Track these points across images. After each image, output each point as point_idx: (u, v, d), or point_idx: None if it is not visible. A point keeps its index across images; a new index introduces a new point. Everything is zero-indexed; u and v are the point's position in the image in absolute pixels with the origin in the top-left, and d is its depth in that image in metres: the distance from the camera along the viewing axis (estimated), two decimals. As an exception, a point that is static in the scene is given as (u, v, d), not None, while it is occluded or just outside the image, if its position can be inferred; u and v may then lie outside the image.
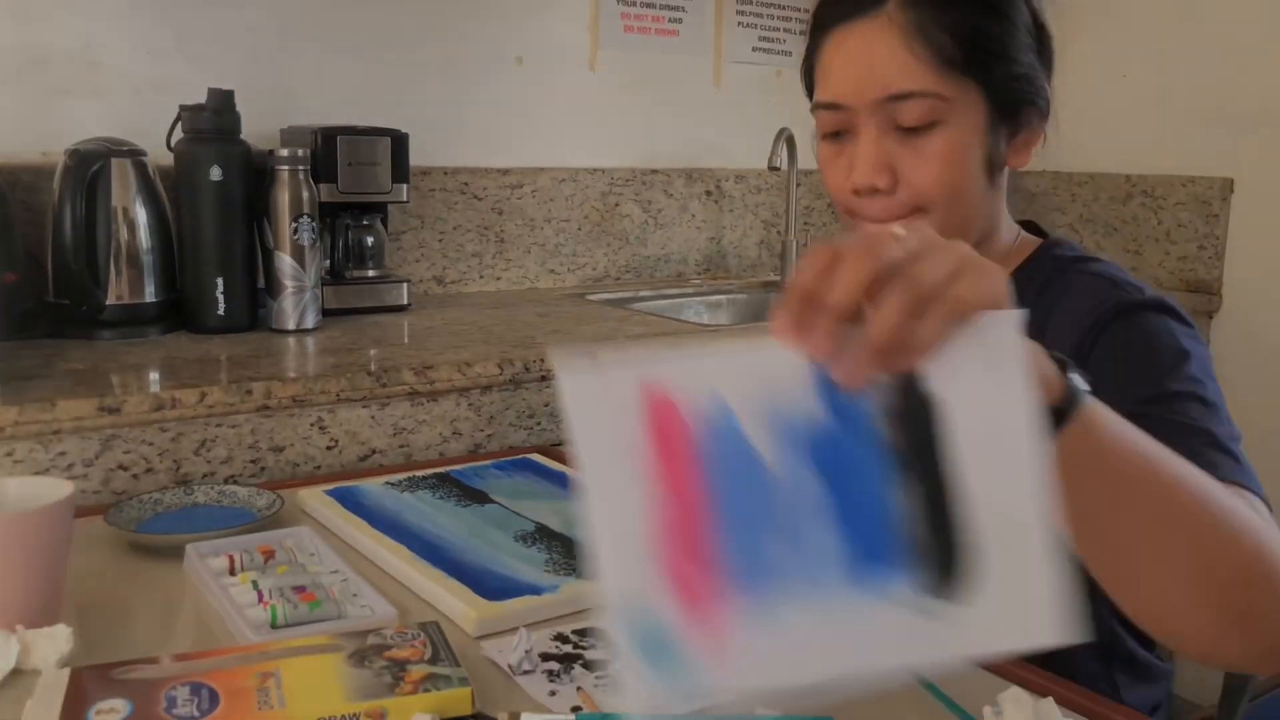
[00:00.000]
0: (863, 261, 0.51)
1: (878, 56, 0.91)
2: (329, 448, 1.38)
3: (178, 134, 1.63)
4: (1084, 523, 0.66)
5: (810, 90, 1.00)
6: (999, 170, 0.97)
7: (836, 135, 0.97)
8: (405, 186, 1.82)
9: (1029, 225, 1.08)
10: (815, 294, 0.52)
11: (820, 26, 0.96)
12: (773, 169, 2.29)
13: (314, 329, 1.66)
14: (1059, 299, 0.96)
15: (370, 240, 1.86)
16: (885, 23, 0.91)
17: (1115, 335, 0.91)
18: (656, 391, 0.54)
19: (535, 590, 0.91)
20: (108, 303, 1.56)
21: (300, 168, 1.64)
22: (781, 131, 2.26)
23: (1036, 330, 0.64)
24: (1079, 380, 0.64)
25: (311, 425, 1.36)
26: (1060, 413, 0.63)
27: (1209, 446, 0.82)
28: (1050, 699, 0.74)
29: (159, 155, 1.64)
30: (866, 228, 0.95)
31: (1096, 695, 0.78)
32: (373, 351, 1.53)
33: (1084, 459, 0.64)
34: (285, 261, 1.63)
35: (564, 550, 1.01)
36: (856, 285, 0.51)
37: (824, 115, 0.97)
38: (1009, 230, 1.04)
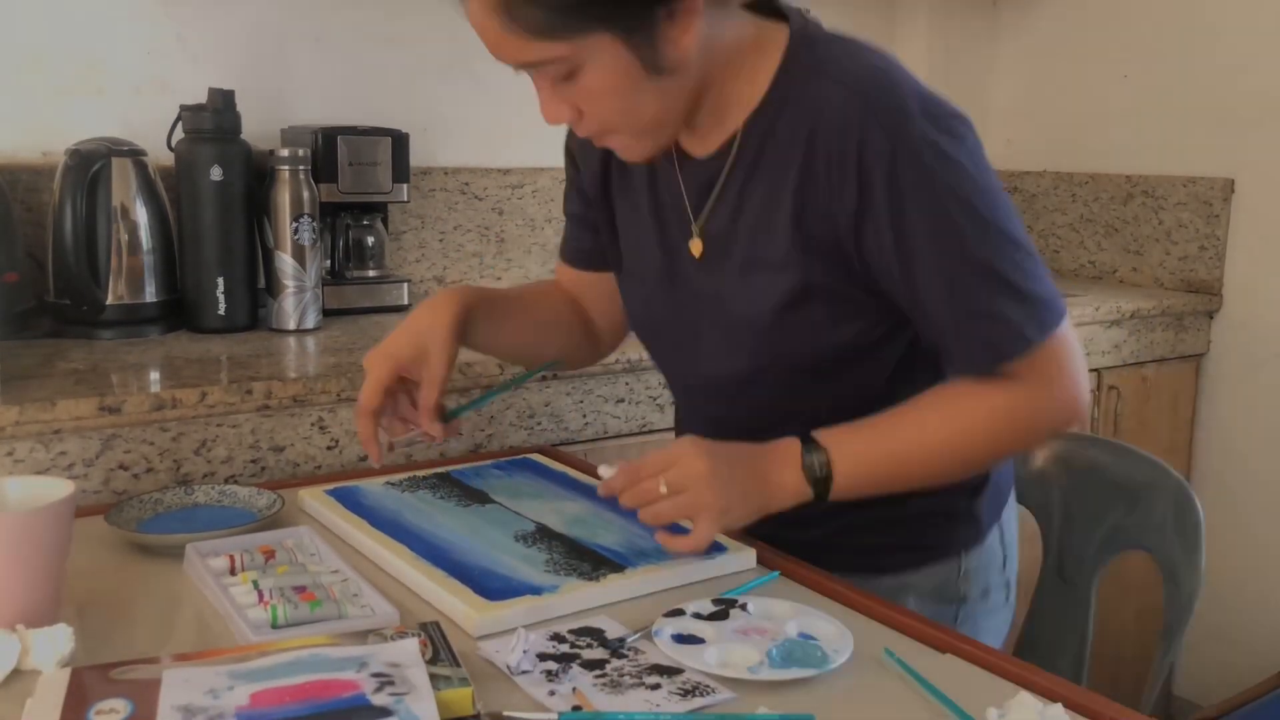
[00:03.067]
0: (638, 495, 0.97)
1: (489, 34, 0.93)
2: (329, 447, 1.38)
3: (178, 134, 1.63)
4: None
5: None
6: (666, 62, 0.93)
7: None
8: (406, 186, 1.82)
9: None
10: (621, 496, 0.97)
11: None
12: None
13: (314, 329, 1.66)
14: (803, 111, 0.96)
15: (371, 240, 1.86)
16: (481, 3, 0.91)
17: (889, 199, 0.93)
18: None
19: (535, 590, 0.91)
20: (108, 302, 1.56)
21: (301, 168, 1.64)
22: (782, 131, 2.26)
23: (803, 149, 0.95)
24: (816, 468, 0.97)
25: (312, 425, 1.36)
26: (819, 492, 0.98)
27: (997, 321, 0.94)
28: (1059, 705, 0.74)
29: (159, 155, 1.64)
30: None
31: (1106, 700, 0.78)
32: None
33: (850, 493, 0.99)
34: (286, 261, 1.63)
35: (564, 550, 1.01)
36: (634, 505, 0.97)
37: None
38: (735, 49, 0.99)
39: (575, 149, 1.18)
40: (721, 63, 0.98)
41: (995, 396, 0.98)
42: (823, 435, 0.98)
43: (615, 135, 0.99)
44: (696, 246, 1.05)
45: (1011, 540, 1.18)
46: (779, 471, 0.97)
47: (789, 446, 0.98)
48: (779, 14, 1.02)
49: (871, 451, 0.99)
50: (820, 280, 0.98)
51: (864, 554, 1.10)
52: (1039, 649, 1.36)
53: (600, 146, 1.02)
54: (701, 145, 1.04)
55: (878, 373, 1.05)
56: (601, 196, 1.15)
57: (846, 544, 1.09)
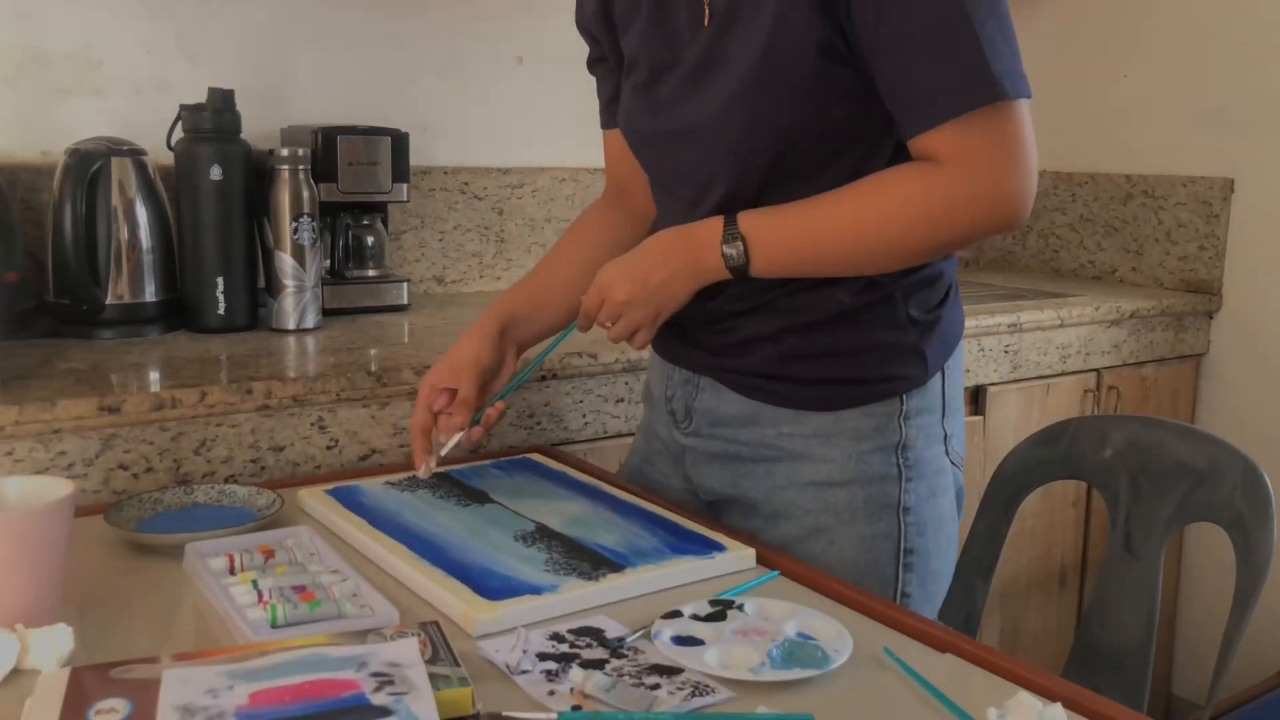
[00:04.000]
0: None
1: None
2: (329, 447, 1.38)
3: (178, 133, 1.63)
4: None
5: None
6: None
7: None
8: (405, 186, 1.82)
9: None
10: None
11: None
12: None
13: (314, 329, 1.67)
14: None
15: (370, 240, 1.86)
16: None
17: None
18: None
19: (535, 590, 0.91)
20: (108, 302, 1.56)
21: (300, 167, 1.64)
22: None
23: None
24: (734, 253, 1.04)
25: (312, 425, 1.36)
26: (738, 270, 1.06)
27: (948, 76, 0.96)
28: (1059, 705, 0.74)
29: (159, 155, 1.64)
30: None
31: (1107, 701, 0.78)
32: (373, 351, 1.53)
33: (770, 273, 1.06)
34: (285, 261, 1.63)
35: (564, 550, 1.01)
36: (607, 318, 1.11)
37: None
38: None
39: (582, 21, 1.24)
40: None
41: (914, 182, 1.00)
42: (743, 218, 1.05)
43: None
44: (706, 13, 1.06)
45: (954, 395, 1.17)
46: (701, 258, 1.06)
47: (709, 233, 1.06)
48: None
49: (789, 232, 1.05)
50: (821, 37, 0.99)
51: (806, 385, 1.11)
52: (1107, 616, 1.44)
53: None
54: None
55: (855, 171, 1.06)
56: (608, 33, 1.20)
57: (789, 374, 1.11)
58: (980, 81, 0.95)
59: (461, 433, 1.16)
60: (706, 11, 1.06)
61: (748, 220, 1.05)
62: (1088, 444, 1.50)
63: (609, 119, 1.28)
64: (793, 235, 1.05)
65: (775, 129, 1.03)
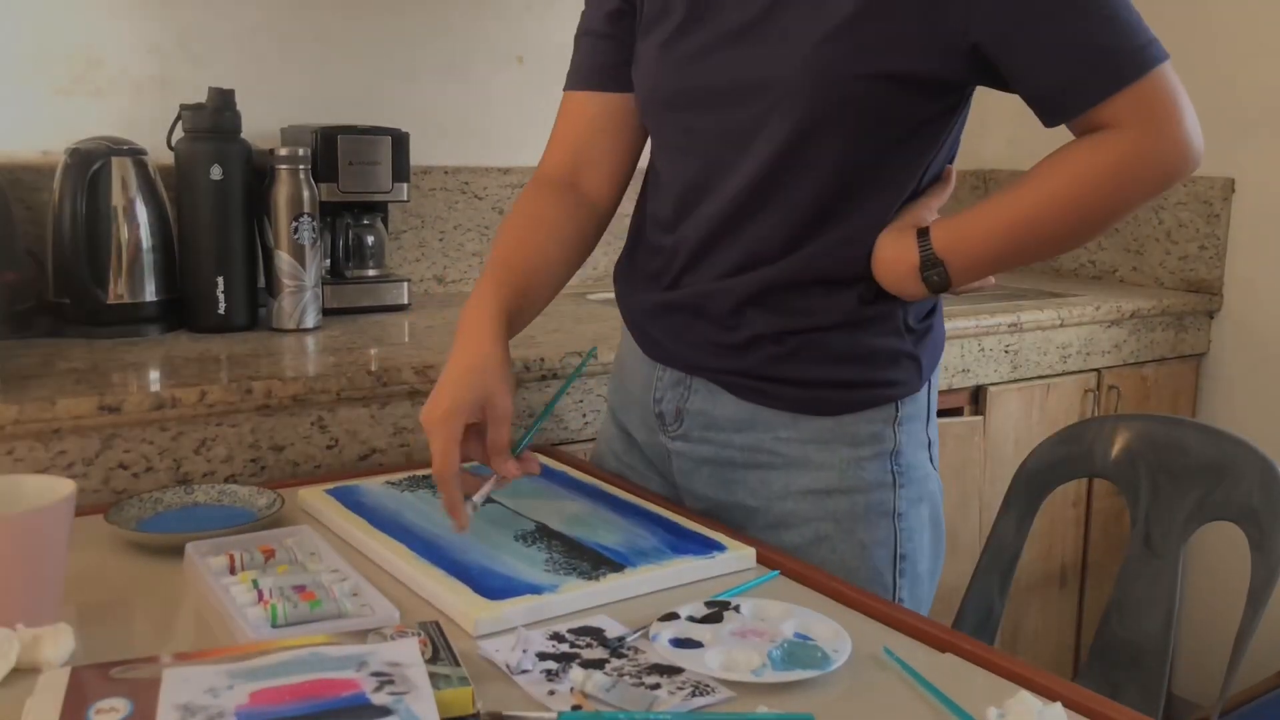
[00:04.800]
0: None
1: None
2: (329, 447, 1.38)
3: (178, 133, 1.63)
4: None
5: None
6: None
7: None
8: (406, 186, 1.82)
9: None
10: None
11: None
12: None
13: (314, 328, 1.67)
14: None
15: (370, 239, 1.86)
16: None
17: None
18: None
19: (535, 590, 0.91)
20: (108, 302, 1.56)
21: (301, 167, 1.64)
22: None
23: None
24: (936, 278, 1.04)
25: (312, 424, 1.36)
26: (940, 290, 1.06)
27: (1108, 49, 0.97)
28: (1059, 704, 0.73)
29: (159, 154, 1.64)
30: None
31: (1107, 701, 0.78)
32: (373, 351, 1.53)
33: (969, 279, 1.06)
34: (285, 260, 1.63)
35: (564, 549, 1.01)
36: None
37: None
38: None
39: None
40: None
41: (1098, 153, 1.00)
42: (936, 239, 1.04)
43: None
44: None
45: (934, 403, 1.19)
46: (905, 289, 1.06)
47: (903, 262, 1.04)
48: None
49: (990, 241, 1.04)
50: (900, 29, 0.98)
51: (807, 388, 1.10)
52: (1128, 614, 1.46)
53: None
54: None
55: (897, 192, 1.07)
56: None
57: (790, 376, 1.10)
58: (1143, 50, 0.97)
59: (493, 479, 1.03)
60: None
61: (941, 240, 1.04)
62: (1109, 443, 1.52)
63: (604, 80, 1.17)
64: (993, 243, 1.04)
65: (852, 88, 0.99)
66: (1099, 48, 0.96)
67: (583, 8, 1.20)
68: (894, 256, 1.05)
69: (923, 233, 1.04)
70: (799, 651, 0.82)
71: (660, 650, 0.82)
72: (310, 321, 1.66)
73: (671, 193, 1.14)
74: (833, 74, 0.99)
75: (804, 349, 1.09)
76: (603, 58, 1.17)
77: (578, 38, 1.20)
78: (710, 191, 1.09)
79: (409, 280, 1.89)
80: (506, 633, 0.85)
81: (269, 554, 0.98)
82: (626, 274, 1.25)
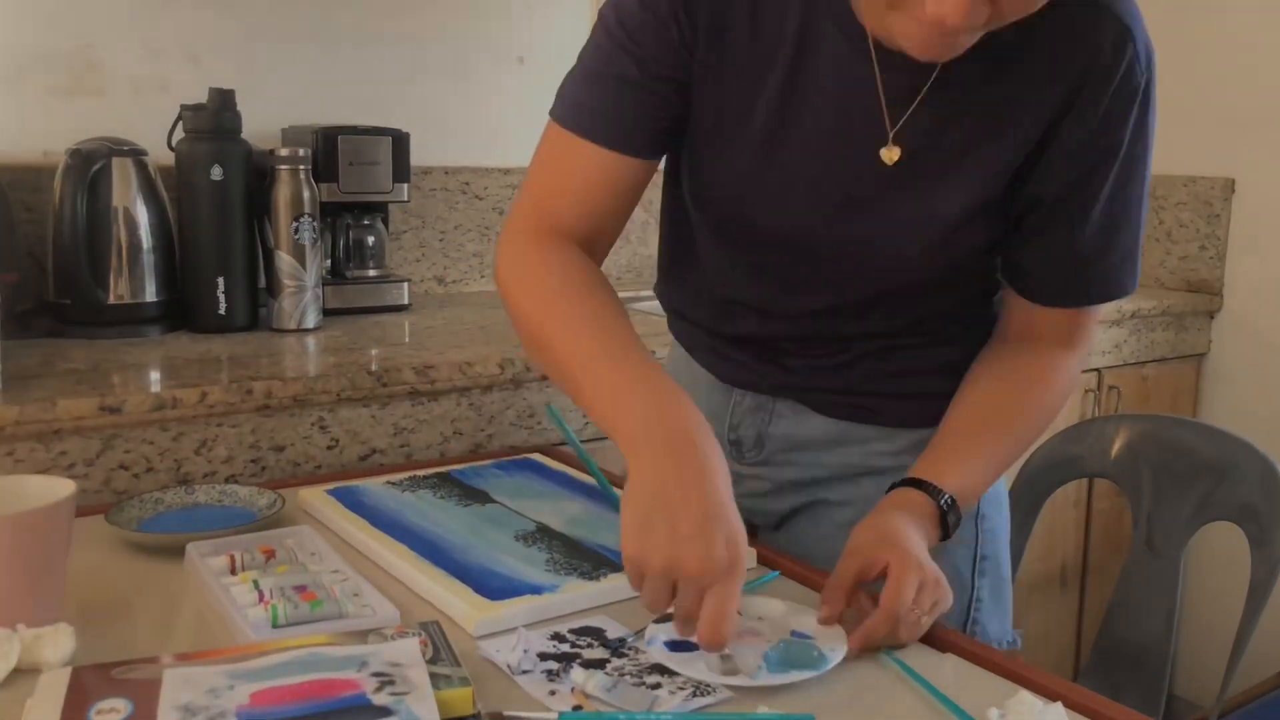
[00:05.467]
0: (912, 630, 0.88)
1: None
2: (330, 447, 1.38)
3: (179, 133, 1.64)
4: None
5: None
6: None
7: None
8: (406, 186, 1.83)
9: None
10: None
11: None
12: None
13: (314, 328, 1.67)
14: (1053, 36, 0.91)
15: (371, 240, 1.86)
16: None
17: (1135, 131, 0.95)
18: None
19: (535, 590, 0.91)
20: (108, 302, 1.56)
21: (301, 167, 1.64)
22: (782, 131, 2.26)
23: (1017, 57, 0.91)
24: (953, 518, 0.96)
25: (312, 425, 1.36)
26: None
27: (1125, 259, 1.00)
28: (1059, 704, 0.73)
29: (160, 155, 1.64)
30: None
31: (1108, 701, 0.78)
32: (373, 351, 1.53)
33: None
34: (286, 261, 1.63)
35: (564, 550, 1.01)
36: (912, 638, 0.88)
37: None
38: None
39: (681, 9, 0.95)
40: None
41: (1061, 376, 1.04)
42: (946, 486, 0.96)
43: (972, 35, 0.83)
44: (892, 154, 0.94)
45: None
46: (933, 533, 0.95)
47: (922, 514, 0.94)
48: None
49: (985, 474, 1.03)
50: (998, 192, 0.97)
51: (906, 400, 1.09)
52: (1130, 614, 1.47)
53: (936, 53, 0.83)
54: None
55: (969, 289, 1.08)
56: (695, 59, 0.96)
57: (891, 390, 1.08)
58: (1129, 277, 1.01)
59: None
60: (892, 150, 0.94)
61: (950, 484, 0.96)
62: (1111, 442, 1.52)
63: (639, 144, 0.98)
64: (989, 473, 1.03)
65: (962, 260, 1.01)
66: (1127, 253, 0.99)
67: (597, 37, 1.00)
68: (911, 524, 0.92)
69: (937, 494, 0.96)
70: (794, 652, 0.82)
71: (655, 654, 0.82)
72: (311, 322, 1.66)
73: (738, 285, 1.08)
74: (944, 257, 1.00)
75: (908, 364, 1.07)
76: (637, 113, 0.98)
77: (601, 76, 0.98)
78: (796, 297, 1.05)
79: (409, 280, 1.89)
80: (507, 633, 0.85)
81: (269, 554, 0.98)
82: (682, 306, 1.17)
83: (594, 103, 0.99)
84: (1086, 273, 1.01)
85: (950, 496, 0.95)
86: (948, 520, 0.96)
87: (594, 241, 1.01)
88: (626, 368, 0.86)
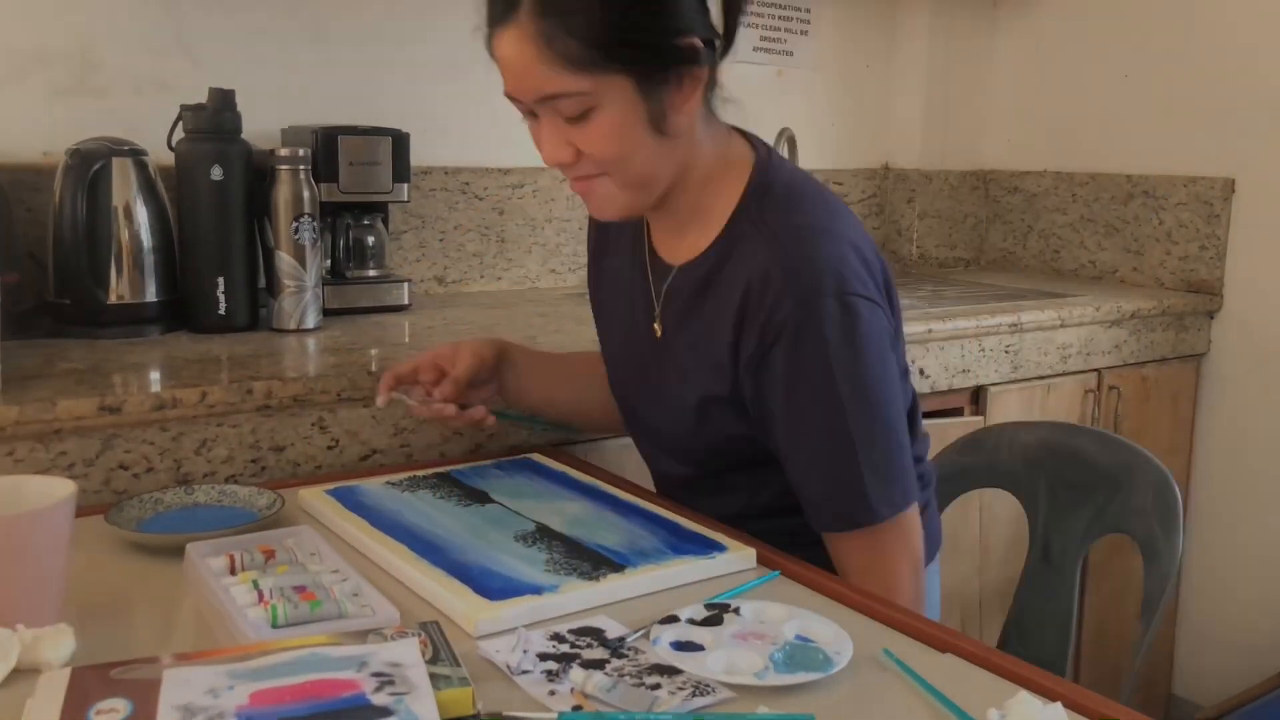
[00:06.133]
0: None
1: (519, 63, 1.00)
2: (330, 447, 1.38)
3: (178, 133, 1.63)
4: None
5: None
6: (668, 123, 1.04)
7: (532, 114, 1.06)
8: (406, 186, 1.82)
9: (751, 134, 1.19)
10: None
11: (486, 25, 1.07)
12: (773, 169, 2.28)
13: (315, 328, 1.67)
14: (741, 264, 1.07)
15: (371, 240, 1.86)
16: (518, 33, 0.99)
17: (787, 364, 1.03)
18: None
19: (535, 590, 0.91)
20: (108, 302, 1.56)
21: (301, 167, 1.64)
22: (783, 131, 2.26)
23: (712, 285, 1.09)
24: None
25: (312, 425, 1.36)
26: None
27: (855, 493, 1.05)
28: (1059, 704, 0.73)
29: (160, 155, 1.64)
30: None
31: (1108, 701, 0.78)
32: (374, 351, 1.53)
33: None
34: (286, 261, 1.63)
35: (564, 550, 1.01)
36: None
37: (513, 102, 1.06)
38: (714, 157, 1.12)
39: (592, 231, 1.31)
40: (700, 164, 1.09)
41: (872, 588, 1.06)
42: None
43: (602, 181, 1.06)
44: (657, 329, 1.17)
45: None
46: None
47: None
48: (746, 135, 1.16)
49: None
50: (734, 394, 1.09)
51: (819, 547, 1.14)
52: (1025, 631, 1.41)
53: (581, 191, 1.09)
54: (670, 253, 1.16)
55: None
56: (594, 259, 1.30)
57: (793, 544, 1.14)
58: (887, 497, 1.05)
59: (421, 394, 1.23)
60: (658, 327, 1.17)
61: None
62: (1008, 451, 1.47)
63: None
64: None
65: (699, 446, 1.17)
66: (853, 487, 1.05)
67: None
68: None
69: None
70: (800, 654, 0.82)
71: (661, 653, 0.82)
72: (311, 322, 1.66)
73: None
74: (702, 441, 1.16)
75: (800, 530, 1.12)
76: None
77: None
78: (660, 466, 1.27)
79: (409, 281, 1.89)
80: (507, 633, 0.86)
81: (269, 554, 0.98)
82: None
83: None
84: (805, 497, 1.08)
85: None
86: None
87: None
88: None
